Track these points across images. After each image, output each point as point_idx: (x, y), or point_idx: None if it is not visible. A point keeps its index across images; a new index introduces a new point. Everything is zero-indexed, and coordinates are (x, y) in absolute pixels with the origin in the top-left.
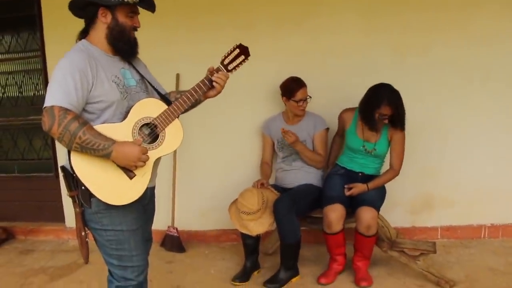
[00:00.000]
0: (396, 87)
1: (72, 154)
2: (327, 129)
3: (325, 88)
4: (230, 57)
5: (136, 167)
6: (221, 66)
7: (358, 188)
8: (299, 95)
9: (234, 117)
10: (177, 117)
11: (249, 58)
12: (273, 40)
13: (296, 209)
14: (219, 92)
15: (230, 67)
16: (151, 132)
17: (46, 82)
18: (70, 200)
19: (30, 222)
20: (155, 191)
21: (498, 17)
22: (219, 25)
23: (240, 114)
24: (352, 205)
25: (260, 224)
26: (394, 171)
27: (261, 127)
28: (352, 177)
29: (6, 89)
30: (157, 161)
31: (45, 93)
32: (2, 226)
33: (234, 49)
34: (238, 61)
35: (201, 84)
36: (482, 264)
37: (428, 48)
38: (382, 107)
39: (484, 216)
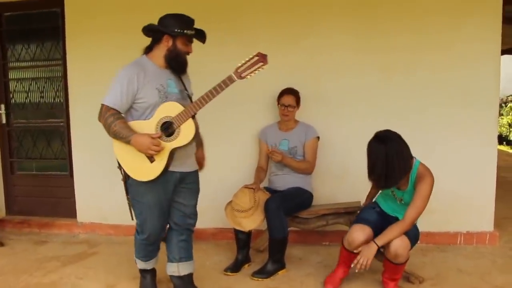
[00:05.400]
0: (382, 104)
1: (113, 140)
2: (318, 138)
3: (317, 100)
4: (247, 64)
5: (149, 153)
6: (234, 73)
7: (370, 250)
8: (282, 99)
9: (235, 124)
10: (191, 117)
11: (266, 65)
12: (273, 56)
13: (285, 208)
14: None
15: (243, 74)
16: (171, 127)
17: (65, 88)
18: (82, 197)
19: (45, 217)
20: None
21: (476, 39)
22: (225, 42)
23: (241, 122)
24: (382, 230)
25: (252, 221)
26: (404, 223)
27: (258, 134)
28: (386, 218)
29: (29, 94)
30: (185, 151)
31: (64, 99)
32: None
33: (254, 56)
34: (254, 68)
35: (213, 90)
36: (453, 266)
37: (413, 68)
38: None
39: (460, 224)
